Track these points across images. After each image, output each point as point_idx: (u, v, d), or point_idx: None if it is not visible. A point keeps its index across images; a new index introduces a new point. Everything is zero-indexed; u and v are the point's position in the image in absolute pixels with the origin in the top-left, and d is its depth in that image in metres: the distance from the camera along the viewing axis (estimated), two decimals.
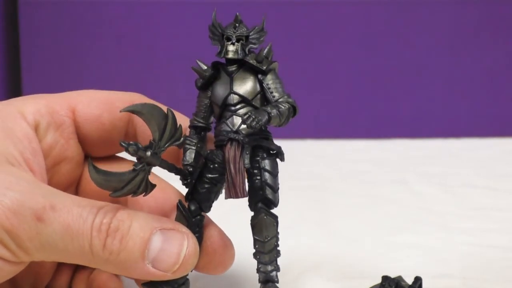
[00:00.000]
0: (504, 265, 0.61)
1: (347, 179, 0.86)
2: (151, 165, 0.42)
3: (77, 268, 0.52)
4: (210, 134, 0.48)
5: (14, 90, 1.09)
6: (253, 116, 0.44)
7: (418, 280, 0.50)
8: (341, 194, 0.81)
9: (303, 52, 1.04)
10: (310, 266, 0.61)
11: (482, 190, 0.81)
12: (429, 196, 0.80)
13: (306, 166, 0.92)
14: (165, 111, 0.43)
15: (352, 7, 1.03)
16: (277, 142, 0.47)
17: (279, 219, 0.46)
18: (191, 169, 0.46)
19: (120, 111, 0.42)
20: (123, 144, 0.41)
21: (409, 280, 0.50)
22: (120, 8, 1.05)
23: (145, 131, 0.49)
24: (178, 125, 0.44)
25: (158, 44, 1.06)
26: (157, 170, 0.45)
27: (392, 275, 0.51)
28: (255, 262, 0.47)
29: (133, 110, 0.42)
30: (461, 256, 0.63)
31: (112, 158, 0.52)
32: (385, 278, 0.50)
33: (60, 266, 0.52)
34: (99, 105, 0.49)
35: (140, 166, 0.42)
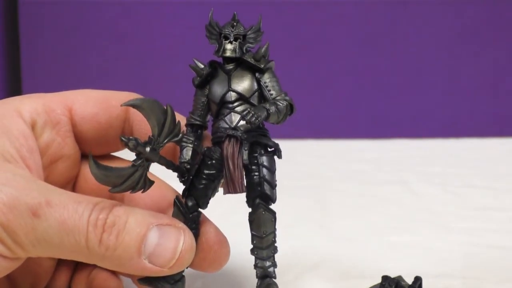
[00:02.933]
0: (504, 265, 0.61)
1: (347, 179, 0.86)
2: (149, 161, 0.43)
3: (76, 268, 0.52)
4: (207, 133, 0.48)
5: (14, 90, 1.09)
6: (252, 112, 0.44)
7: (418, 280, 0.50)
8: (341, 194, 0.81)
9: (303, 52, 1.04)
10: (310, 266, 0.61)
11: (482, 190, 0.81)
12: (429, 196, 0.80)
13: (306, 166, 0.92)
14: (165, 106, 0.43)
15: (352, 7, 1.03)
16: (277, 142, 0.47)
17: (279, 219, 0.46)
18: (188, 166, 0.46)
19: (121, 105, 0.42)
20: (123, 139, 0.41)
21: (409, 280, 0.50)
22: (120, 8, 1.05)
23: (141, 130, 0.49)
24: (177, 121, 0.44)
25: (158, 44, 1.06)
26: (154, 169, 0.45)
27: (392, 275, 0.51)
28: (253, 262, 0.47)
29: (133, 104, 0.42)
30: (461, 256, 0.63)
31: (109, 157, 0.52)
32: (385, 278, 0.50)
33: (59, 266, 0.52)
34: (95, 104, 0.49)
35: (139, 162, 0.42)
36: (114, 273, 0.52)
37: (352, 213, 0.75)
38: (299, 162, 0.92)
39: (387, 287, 0.50)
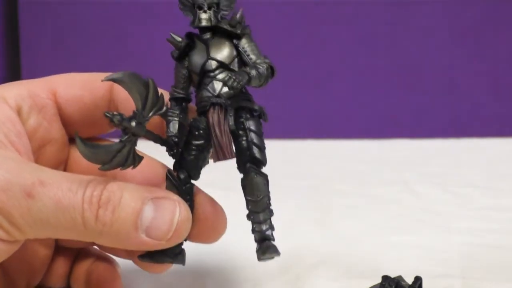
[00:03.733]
0: (504, 265, 0.61)
1: (347, 179, 0.86)
2: (136, 135, 0.42)
3: (74, 261, 0.52)
4: (191, 105, 0.48)
5: None
6: (234, 77, 0.44)
7: (418, 280, 0.50)
8: (341, 194, 0.81)
9: (303, 52, 1.04)
10: (310, 266, 0.61)
11: (482, 190, 0.81)
12: (429, 196, 0.80)
13: (306, 166, 0.91)
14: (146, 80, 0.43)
15: (352, 7, 1.03)
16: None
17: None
18: (176, 139, 0.46)
19: (102, 80, 0.42)
20: (108, 115, 0.41)
21: (409, 280, 0.50)
22: (120, 8, 1.05)
23: (126, 110, 0.49)
24: (159, 94, 0.44)
25: (158, 44, 1.06)
26: (142, 146, 0.45)
27: (392, 275, 0.51)
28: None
29: (115, 78, 0.42)
30: (461, 256, 0.63)
31: (96, 139, 0.52)
32: (385, 278, 0.50)
33: (56, 258, 0.52)
34: (80, 86, 0.49)
35: (126, 137, 0.42)
36: (112, 265, 0.52)
37: (352, 213, 0.75)
38: (299, 162, 0.92)
39: (387, 287, 0.50)
